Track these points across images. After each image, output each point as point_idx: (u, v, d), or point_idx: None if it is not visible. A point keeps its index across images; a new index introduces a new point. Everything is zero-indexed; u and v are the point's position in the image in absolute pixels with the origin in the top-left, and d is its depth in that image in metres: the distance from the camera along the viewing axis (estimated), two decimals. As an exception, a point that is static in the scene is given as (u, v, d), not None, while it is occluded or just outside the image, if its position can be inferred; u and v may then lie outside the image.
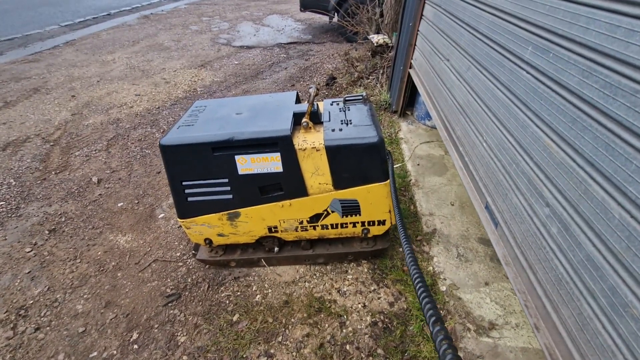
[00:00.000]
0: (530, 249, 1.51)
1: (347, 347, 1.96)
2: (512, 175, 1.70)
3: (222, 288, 2.33)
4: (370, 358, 1.90)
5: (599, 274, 1.11)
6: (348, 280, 2.33)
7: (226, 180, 2.00)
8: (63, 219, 2.96)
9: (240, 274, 2.41)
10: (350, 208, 2.14)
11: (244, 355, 1.93)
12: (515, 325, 2.01)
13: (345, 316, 2.12)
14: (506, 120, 1.80)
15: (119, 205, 3.11)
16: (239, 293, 2.29)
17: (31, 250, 2.66)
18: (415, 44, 3.66)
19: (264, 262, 2.44)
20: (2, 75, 5.99)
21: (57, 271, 2.49)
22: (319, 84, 5.40)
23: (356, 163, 1.97)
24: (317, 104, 2.19)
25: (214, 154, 1.90)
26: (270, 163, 1.94)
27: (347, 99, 2.34)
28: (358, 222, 2.22)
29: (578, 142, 1.26)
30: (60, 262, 2.57)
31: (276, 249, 2.36)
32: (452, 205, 2.91)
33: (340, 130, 2.00)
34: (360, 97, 2.33)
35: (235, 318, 2.13)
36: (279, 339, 2.01)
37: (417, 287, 0.97)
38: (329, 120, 2.12)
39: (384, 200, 2.12)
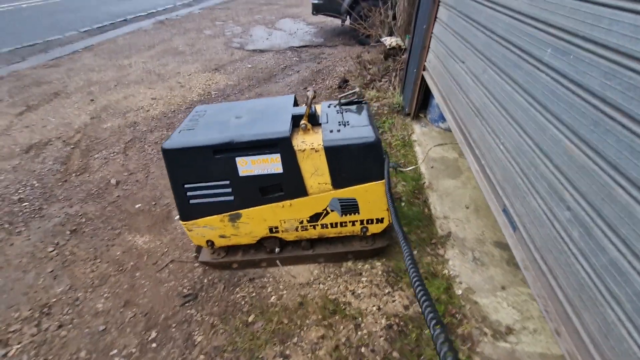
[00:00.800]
0: (550, 253, 1.49)
1: (362, 349, 1.96)
2: (531, 178, 1.68)
3: (237, 289, 2.36)
4: (386, 361, 1.90)
5: (624, 279, 1.09)
6: (362, 282, 2.34)
7: (227, 182, 2.05)
8: (83, 220, 3.04)
9: (255, 275, 2.44)
10: (349, 207, 2.20)
11: (260, 356, 1.95)
12: (533, 331, 1.98)
13: (360, 318, 2.12)
14: (524, 123, 1.79)
15: (137, 206, 3.18)
16: (254, 294, 2.31)
17: (53, 250, 2.74)
18: (429, 47, 3.65)
19: (266, 264, 2.48)
20: (24, 80, 6.19)
21: (78, 270, 2.56)
22: (331, 86, 5.42)
23: (354, 162, 2.02)
24: (315, 107, 2.24)
25: (215, 156, 1.96)
26: (270, 164, 1.99)
27: (342, 100, 2.40)
28: (357, 221, 2.27)
29: (601, 145, 1.25)
30: (81, 261, 2.64)
31: (277, 249, 2.41)
32: (467, 208, 2.88)
33: (338, 131, 2.06)
34: (355, 96, 2.39)
35: (250, 319, 2.16)
36: (294, 340, 2.03)
37: (416, 288, 0.97)
38: (327, 122, 2.18)
39: (382, 198, 2.17)
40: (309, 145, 1.98)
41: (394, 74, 5.20)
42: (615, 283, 1.14)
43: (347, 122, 2.16)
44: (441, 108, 3.22)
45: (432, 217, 2.83)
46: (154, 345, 2.05)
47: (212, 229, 2.24)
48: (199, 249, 2.52)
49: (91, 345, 2.07)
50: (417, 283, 1.00)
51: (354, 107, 2.38)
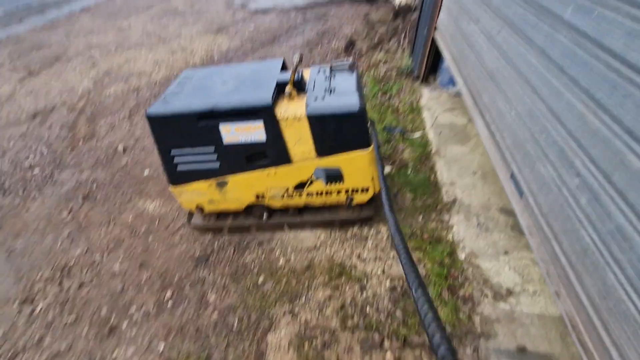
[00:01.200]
0: (556, 219, 1.51)
1: (367, 308, 2.06)
2: (542, 144, 1.66)
3: (247, 252, 2.44)
4: (389, 319, 2.00)
5: (629, 245, 1.11)
6: (368, 246, 2.40)
7: (212, 148, 2.06)
8: (94, 186, 3.10)
9: (263, 239, 2.51)
10: (334, 176, 2.19)
11: (270, 313, 2.06)
12: (533, 293, 2.05)
13: (365, 280, 2.20)
14: (539, 87, 1.73)
15: (145, 172, 3.22)
16: (263, 257, 2.40)
17: (68, 215, 2.82)
18: (441, 5, 3.46)
19: (256, 229, 2.55)
20: (24, 43, 6.05)
21: (93, 234, 2.66)
22: (337, 48, 5.23)
23: (338, 131, 1.99)
24: (302, 72, 2.18)
25: (199, 123, 1.95)
26: (253, 132, 1.98)
27: (333, 66, 2.31)
28: (342, 190, 2.27)
29: (617, 110, 1.21)
30: (96, 226, 2.73)
31: (265, 215, 2.46)
32: (474, 174, 2.87)
33: (323, 98, 2.00)
34: (346, 64, 2.30)
35: (260, 280, 2.25)
36: (302, 299, 2.13)
37: (403, 260, 0.99)
38: (313, 89, 2.12)
39: (367, 168, 2.15)
40: (292, 113, 1.93)
41: (403, 34, 4.98)
42: (619, 248, 1.15)
43: (334, 88, 2.09)
44: (452, 71, 3.11)
45: (439, 183, 2.84)
46: (170, 303, 2.17)
47: (201, 194, 2.28)
48: (191, 213, 2.60)
49: (111, 303, 2.20)
50: (400, 245, 1.03)
51: (344, 71, 2.29)
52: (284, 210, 2.50)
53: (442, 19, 3.45)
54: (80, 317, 2.13)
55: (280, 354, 1.89)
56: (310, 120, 1.94)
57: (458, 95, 3.83)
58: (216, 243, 2.52)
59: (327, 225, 2.52)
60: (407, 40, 4.79)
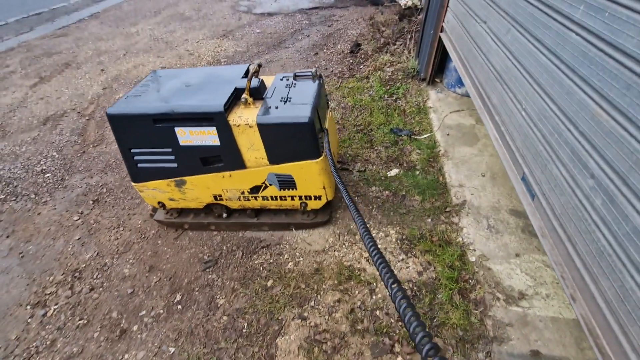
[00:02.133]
0: (570, 221, 1.48)
1: (377, 312, 2.04)
2: (554, 145, 1.64)
3: (255, 256, 2.44)
4: (400, 323, 1.98)
5: (646, 247, 1.09)
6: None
7: (169, 150, 2.12)
8: (104, 190, 3.13)
9: (271, 243, 2.51)
10: (286, 182, 2.24)
11: (279, 317, 2.06)
12: (546, 296, 2.01)
13: (374, 284, 2.19)
14: (549, 87, 1.71)
15: (154, 176, 3.24)
16: (271, 260, 2.39)
17: (79, 219, 2.86)
18: (447, 6, 3.45)
19: (214, 227, 2.60)
20: (35, 50, 6.16)
21: (103, 238, 2.68)
22: (343, 51, 5.23)
23: (287, 141, 2.04)
24: (262, 79, 2.22)
25: (156, 125, 2.02)
26: (207, 136, 2.03)
27: (297, 74, 2.34)
28: (295, 196, 2.32)
29: (632, 110, 1.19)
30: (106, 229, 2.75)
31: (224, 215, 2.52)
32: (483, 176, 2.84)
33: (277, 108, 2.05)
34: (310, 74, 2.32)
35: (269, 283, 2.25)
36: (312, 303, 2.12)
37: (375, 258, 0.97)
38: (270, 97, 2.16)
39: (317, 177, 2.20)
40: (244, 120, 1.99)
41: (409, 36, 4.97)
42: (636, 250, 1.13)
43: (290, 98, 2.12)
44: (459, 72, 3.09)
45: (447, 185, 2.82)
46: (179, 307, 2.18)
47: (161, 192, 2.35)
48: (155, 208, 2.65)
49: (121, 306, 2.21)
50: (371, 247, 1.01)
51: (307, 81, 2.32)
52: (243, 211, 2.56)
53: (449, 19, 3.44)
54: (91, 321, 2.15)
55: (290, 358, 1.88)
56: (260, 129, 2.00)
57: (465, 95, 3.81)
58: (224, 247, 2.52)
59: (284, 227, 2.56)
60: (413, 41, 4.77)
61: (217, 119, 1.97)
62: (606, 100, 1.32)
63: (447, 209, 2.62)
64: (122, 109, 2.04)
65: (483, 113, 2.53)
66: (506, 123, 2.17)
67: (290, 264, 2.36)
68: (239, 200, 2.38)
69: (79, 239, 2.69)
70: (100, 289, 2.33)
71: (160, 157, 2.18)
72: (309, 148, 2.07)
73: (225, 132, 2.01)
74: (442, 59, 3.93)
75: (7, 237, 2.74)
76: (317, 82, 2.30)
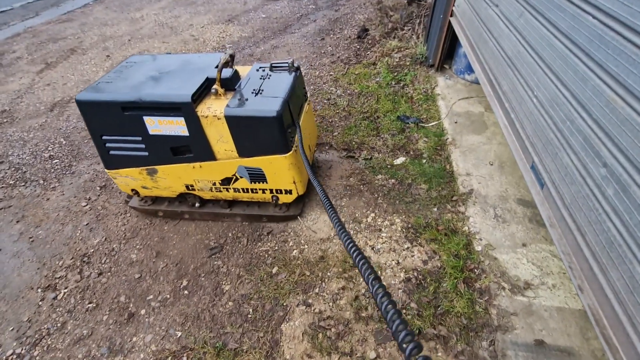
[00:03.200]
0: (579, 210, 1.45)
1: (381, 300, 2.05)
2: (565, 133, 1.59)
3: (260, 243, 2.45)
4: (404, 311, 1.98)
5: (659, 238, 1.06)
6: (382, 238, 2.38)
7: (139, 138, 2.10)
8: (111, 176, 3.15)
9: (276, 230, 2.52)
10: (257, 176, 2.21)
11: (284, 303, 2.08)
12: (552, 286, 2.00)
13: (379, 272, 2.19)
14: (562, 72, 1.66)
15: (160, 163, 3.25)
16: (276, 248, 2.40)
17: (87, 205, 2.89)
18: (458, -12, 3.34)
19: (188, 216, 2.60)
20: (40, 36, 6.14)
21: (111, 223, 2.71)
22: (350, 36, 5.13)
23: (255, 134, 2.00)
24: (236, 69, 2.17)
25: (124, 113, 1.99)
26: (176, 126, 2.01)
27: (273, 65, 2.28)
28: (266, 190, 2.31)
29: (650, 97, 1.15)
30: (113, 215, 2.78)
31: (197, 204, 2.51)
32: (491, 165, 2.80)
33: (247, 100, 2.00)
34: (287, 65, 2.25)
35: (274, 270, 2.26)
36: (316, 290, 2.13)
37: (353, 254, 0.91)
38: (243, 88, 2.11)
39: (287, 172, 2.16)
40: (213, 112, 1.95)
41: (417, 21, 4.85)
42: (648, 241, 1.10)
43: (262, 90, 2.07)
44: (469, 58, 3.01)
45: (454, 174, 2.78)
46: (186, 292, 2.21)
47: (134, 179, 2.35)
48: (130, 195, 2.66)
49: (129, 290, 2.25)
50: (349, 244, 0.96)
51: (283, 72, 2.25)
52: (216, 201, 2.54)
53: (459, 3, 3.33)
54: (100, 304, 2.19)
55: (295, 344, 1.90)
56: (228, 121, 1.96)
57: (475, 82, 3.72)
58: (230, 233, 2.54)
59: (257, 219, 2.54)
60: (421, 26, 4.66)
61: (185, 109, 1.93)
62: (622, 86, 1.27)
63: (454, 198, 2.59)
64: (92, 95, 2.01)
65: (493, 100, 2.47)
66: (516, 110, 2.12)
67: (295, 251, 2.37)
68: (211, 191, 2.37)
69: (87, 224, 2.72)
70: (109, 273, 2.37)
71: (131, 145, 2.16)
72: (277, 142, 2.03)
73: (194, 123, 1.98)
74: (451, 45, 3.83)
75: (18, 222, 2.79)
76: (293, 74, 2.24)
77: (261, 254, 2.38)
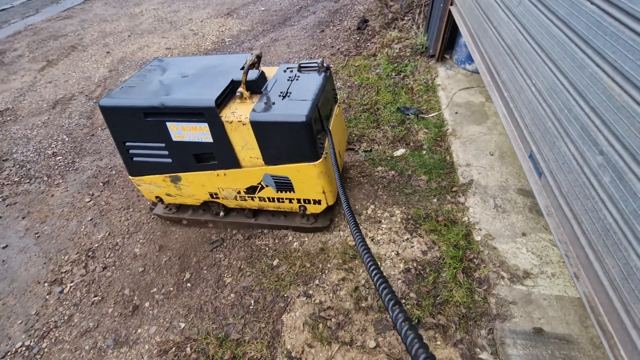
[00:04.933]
0: (576, 199, 1.45)
1: (381, 290, 2.07)
2: (563, 121, 1.59)
3: (260, 236, 2.48)
4: (403, 301, 2.00)
5: (653, 225, 1.06)
6: (382, 229, 2.39)
7: (163, 144, 2.02)
8: (114, 172, 3.19)
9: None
10: (283, 184, 2.10)
11: (285, 295, 2.11)
12: (551, 275, 2.00)
13: (379, 263, 2.21)
14: (561, 60, 1.64)
15: (162, 158, 3.28)
16: (277, 240, 2.43)
17: (90, 200, 2.93)
18: (458, -24, 3.29)
19: (212, 225, 2.52)
20: (41, 33, 6.16)
21: (114, 218, 2.75)
22: (350, 27, 5.09)
23: (283, 141, 1.88)
24: (262, 71, 2.06)
25: (147, 119, 1.92)
26: (199, 132, 1.91)
27: (302, 65, 2.15)
28: (294, 199, 2.19)
29: (646, 83, 1.14)
30: (116, 210, 2.82)
31: (221, 213, 2.43)
32: (492, 155, 2.79)
33: (274, 103, 1.88)
34: (316, 65, 2.13)
35: (275, 263, 2.29)
36: (317, 281, 2.16)
37: (373, 274, 0.90)
38: (270, 91, 1.99)
39: (316, 181, 2.03)
40: (237, 117, 1.84)
41: (418, 10, 4.79)
42: (643, 228, 1.11)
43: (290, 93, 1.95)
44: (469, 47, 2.98)
45: (454, 164, 2.78)
46: (189, 284, 2.25)
47: (158, 187, 2.28)
48: (154, 202, 2.60)
49: (133, 284, 2.29)
50: (372, 267, 0.93)
51: (312, 73, 2.13)
52: (241, 210, 2.45)
53: (459, -8, 3.29)
54: (106, 297, 2.24)
55: (296, 334, 1.93)
56: (253, 127, 1.85)
57: (476, 72, 3.69)
58: (229, 228, 2.56)
59: (282, 230, 2.46)
60: (422, 16, 4.60)
61: (208, 115, 1.83)
62: (619, 73, 1.26)
63: (454, 189, 2.59)
64: (115, 100, 1.95)
65: (492, 89, 2.45)
66: (515, 99, 2.11)
67: (295, 243, 2.39)
68: (236, 199, 2.28)
69: (91, 219, 2.77)
70: (113, 267, 2.41)
71: (154, 152, 2.09)
72: (306, 150, 1.91)
73: (218, 128, 1.88)
74: (452, 35, 3.79)
75: (23, 218, 2.83)
76: (322, 74, 2.11)
77: (262, 247, 2.41)
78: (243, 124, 1.85)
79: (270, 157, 1.97)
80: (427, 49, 4.12)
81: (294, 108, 1.84)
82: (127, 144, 2.10)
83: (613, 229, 1.23)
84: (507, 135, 2.22)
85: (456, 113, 3.25)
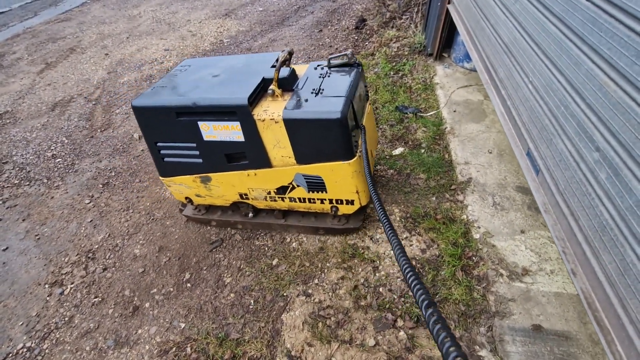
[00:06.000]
0: (573, 195, 1.46)
1: (380, 289, 2.07)
2: (560, 118, 1.59)
3: (260, 236, 2.48)
4: (402, 299, 2.01)
5: (649, 220, 1.06)
6: (381, 228, 2.40)
7: (194, 144, 2.02)
8: (113, 174, 3.20)
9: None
10: (315, 184, 2.05)
11: (285, 294, 2.11)
12: (550, 272, 2.01)
13: (377, 261, 2.21)
14: (557, 57, 1.64)
15: (161, 159, 3.29)
16: (276, 240, 2.43)
17: (90, 202, 2.94)
18: (455, -25, 3.30)
19: (241, 226, 2.50)
20: (40, 36, 6.17)
21: (114, 220, 2.76)
22: (348, 27, 5.09)
23: (316, 139, 1.84)
24: (293, 68, 2.02)
25: (178, 118, 1.92)
26: (231, 132, 1.90)
27: (332, 62, 2.11)
28: (325, 199, 2.13)
29: (641, 79, 1.14)
30: (116, 212, 2.83)
31: (250, 214, 2.40)
32: (490, 153, 2.80)
33: (306, 100, 1.85)
34: (347, 59, 2.08)
35: (274, 262, 2.30)
36: (316, 281, 2.16)
37: (409, 277, 0.87)
38: (301, 88, 1.96)
39: (350, 180, 1.98)
40: (270, 115, 1.81)
41: (415, 9, 4.80)
42: (639, 224, 1.11)
43: (322, 90, 1.91)
44: (466, 45, 2.99)
45: (453, 163, 2.78)
46: (188, 285, 2.25)
47: (187, 187, 2.27)
48: (184, 203, 2.59)
49: (134, 285, 2.30)
50: (406, 268, 0.90)
51: (343, 69, 2.09)
52: (270, 211, 2.42)
53: (457, -10, 3.29)
54: (106, 298, 2.24)
55: (295, 333, 1.94)
56: (286, 125, 1.82)
57: (474, 70, 3.69)
58: (228, 228, 2.57)
59: (313, 231, 2.41)
60: (419, 15, 4.61)
61: (241, 113, 1.82)
62: (615, 70, 1.27)
63: (452, 187, 2.60)
64: (147, 100, 1.95)
65: (489, 87, 2.46)
66: (512, 97, 2.11)
67: (294, 243, 2.39)
68: (265, 200, 2.24)
69: (91, 221, 2.77)
70: (113, 268, 2.42)
71: (185, 152, 2.08)
72: (340, 147, 1.85)
73: (250, 127, 1.85)
74: (450, 33, 3.80)
75: (24, 220, 2.84)
76: (354, 71, 2.06)
77: (261, 246, 2.41)
78: (275, 122, 1.82)
79: (303, 155, 1.93)
80: (425, 48, 4.12)
81: (328, 104, 1.80)
82: (159, 144, 2.10)
83: (609, 225, 1.23)
84: (505, 133, 2.23)
85: (454, 111, 3.25)
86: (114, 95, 4.36)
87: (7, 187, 3.17)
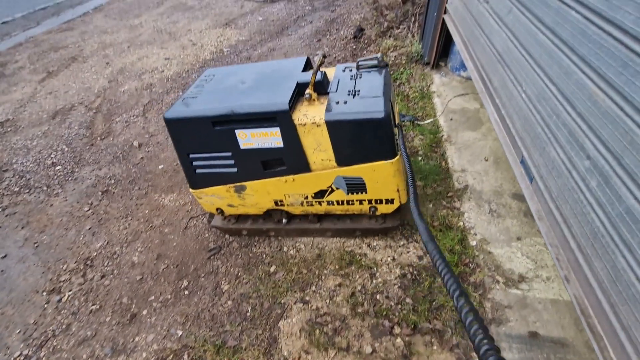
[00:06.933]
0: (566, 203, 1.48)
1: (377, 296, 2.08)
2: (552, 127, 1.62)
3: (257, 243, 2.49)
4: (399, 306, 2.02)
5: (639, 227, 1.08)
6: (378, 235, 2.41)
7: (229, 154, 1.99)
8: (112, 181, 3.22)
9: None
10: (356, 186, 2.04)
11: (282, 301, 2.12)
12: (546, 279, 2.02)
13: (375, 268, 2.22)
14: (548, 67, 1.68)
15: (160, 167, 3.31)
16: (274, 247, 2.44)
17: (89, 210, 2.95)
18: (450, -14, 3.36)
19: (274, 233, 2.47)
20: (42, 45, 6.25)
21: (113, 227, 2.77)
22: (346, 36, 5.16)
23: (359, 140, 1.84)
24: (324, 72, 2.03)
25: (215, 128, 1.89)
26: (270, 138, 1.88)
27: (360, 64, 2.12)
28: (364, 200, 2.11)
29: (628, 89, 1.17)
30: (115, 219, 2.84)
31: (284, 220, 2.38)
32: (486, 160, 2.82)
33: (345, 102, 1.85)
34: (376, 61, 2.09)
35: (272, 269, 2.30)
36: (313, 288, 2.17)
37: (440, 269, 0.87)
38: (336, 91, 1.96)
39: (391, 179, 1.98)
40: (311, 119, 1.80)
41: (413, 19, 4.87)
42: (629, 231, 1.13)
43: (358, 91, 1.92)
44: (462, 55, 3.04)
45: (450, 170, 2.80)
46: (186, 292, 2.26)
47: (220, 198, 2.23)
48: (212, 214, 2.56)
49: (131, 292, 2.30)
50: (440, 265, 0.88)
51: (372, 70, 2.10)
52: (304, 216, 2.40)
53: (452, 0, 3.36)
54: (104, 306, 2.25)
55: (292, 340, 1.94)
56: (329, 127, 1.80)
57: (470, 79, 3.74)
58: (228, 234, 2.58)
59: (348, 234, 2.39)
60: (417, 25, 4.68)
61: (281, 119, 1.79)
62: (603, 80, 1.30)
63: (449, 194, 2.62)
64: (180, 112, 1.91)
65: (484, 96, 2.49)
66: (506, 106, 2.14)
67: (292, 250, 2.40)
68: (302, 205, 2.21)
69: (90, 228, 2.79)
70: (111, 276, 2.42)
71: (220, 162, 2.05)
72: (384, 147, 1.85)
73: (290, 132, 1.83)
74: (446, 42, 3.85)
75: (22, 228, 2.85)
76: (383, 71, 2.07)
77: (259, 254, 2.42)
78: (317, 125, 1.81)
79: (344, 157, 1.92)
80: (422, 57, 4.18)
81: (370, 105, 1.80)
82: (191, 156, 2.06)
83: (601, 232, 1.25)
84: (500, 141, 2.25)
85: (451, 119, 3.29)
86: (114, 103, 4.41)
87: (7, 194, 3.19)
